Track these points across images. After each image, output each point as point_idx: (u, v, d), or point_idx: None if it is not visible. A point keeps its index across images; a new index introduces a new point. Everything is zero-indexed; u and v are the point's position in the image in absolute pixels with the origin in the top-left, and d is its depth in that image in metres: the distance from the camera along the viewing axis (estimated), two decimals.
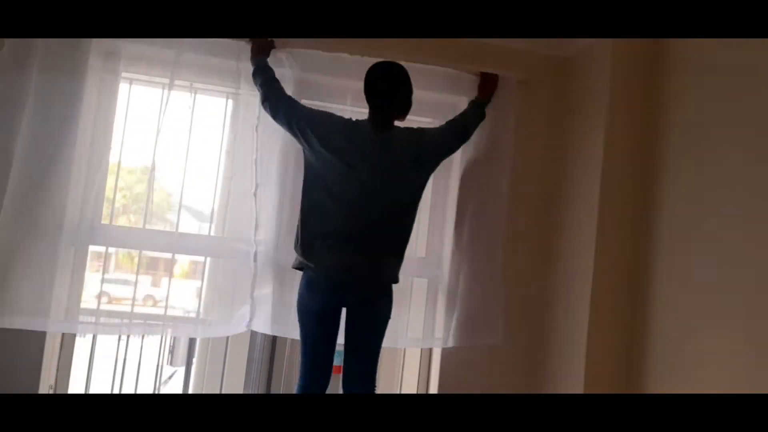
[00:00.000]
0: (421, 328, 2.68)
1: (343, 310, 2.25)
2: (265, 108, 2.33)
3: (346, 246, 2.16)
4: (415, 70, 2.59)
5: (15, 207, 2.30)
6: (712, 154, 2.07)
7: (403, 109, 2.27)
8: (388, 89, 2.25)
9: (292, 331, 2.52)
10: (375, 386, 2.28)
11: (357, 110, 2.59)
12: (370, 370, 2.26)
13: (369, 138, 2.20)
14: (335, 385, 2.97)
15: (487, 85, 2.60)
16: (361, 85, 2.57)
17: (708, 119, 2.12)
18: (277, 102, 2.30)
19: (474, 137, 2.64)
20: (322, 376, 2.21)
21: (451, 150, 2.43)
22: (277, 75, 2.51)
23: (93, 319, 2.53)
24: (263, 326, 2.50)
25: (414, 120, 2.71)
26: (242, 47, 2.45)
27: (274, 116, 2.31)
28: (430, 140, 2.31)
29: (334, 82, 2.59)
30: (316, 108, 2.34)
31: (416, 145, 2.26)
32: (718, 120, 2.06)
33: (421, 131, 2.33)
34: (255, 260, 2.46)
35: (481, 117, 2.53)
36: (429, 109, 2.75)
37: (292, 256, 2.52)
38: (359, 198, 2.16)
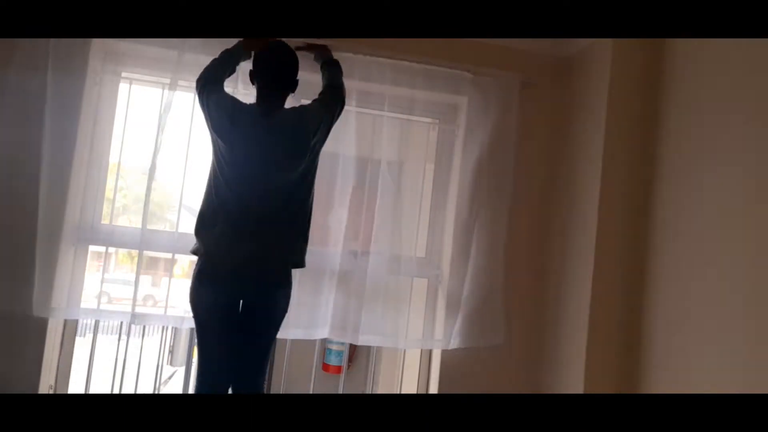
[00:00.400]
0: (421, 329, 2.68)
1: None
2: (196, 88, 2.23)
3: (240, 232, 2.08)
4: (415, 70, 2.60)
5: (15, 207, 2.31)
6: (712, 154, 2.06)
7: (290, 87, 2.23)
8: (273, 70, 2.20)
9: (298, 332, 2.52)
10: (264, 383, 2.18)
11: (360, 110, 2.60)
12: (261, 367, 2.16)
13: (256, 121, 2.13)
14: (335, 385, 2.98)
15: (319, 51, 2.47)
16: (361, 85, 2.58)
17: (708, 119, 2.12)
18: (206, 74, 2.22)
19: (476, 137, 2.64)
20: (220, 378, 2.10)
21: (334, 115, 2.28)
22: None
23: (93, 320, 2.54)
24: None
25: (414, 120, 2.72)
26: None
27: (197, 86, 2.22)
28: (313, 112, 2.22)
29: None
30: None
31: (301, 122, 2.18)
32: (718, 120, 2.06)
33: (303, 108, 2.26)
34: None
35: (337, 66, 2.41)
36: (429, 109, 2.75)
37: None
38: (250, 182, 2.10)
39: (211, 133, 2.17)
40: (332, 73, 2.38)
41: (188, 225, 2.54)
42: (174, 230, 2.52)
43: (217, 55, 2.29)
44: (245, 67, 2.32)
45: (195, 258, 2.17)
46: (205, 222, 2.14)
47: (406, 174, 2.75)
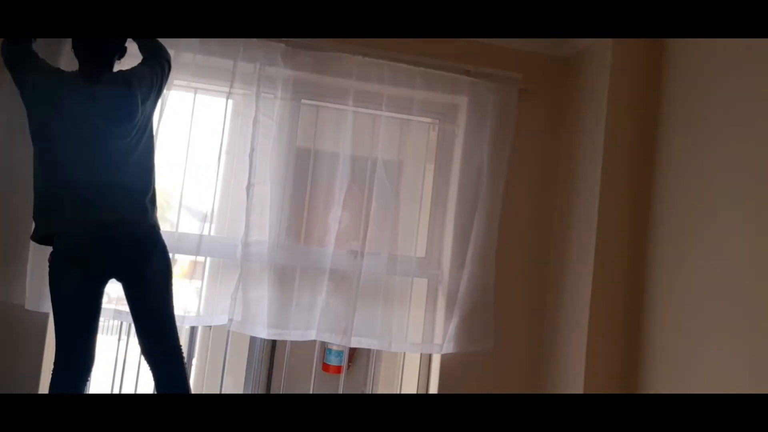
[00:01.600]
0: (421, 331, 2.67)
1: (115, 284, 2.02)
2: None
3: (87, 206, 1.96)
4: (414, 70, 2.60)
5: (15, 207, 2.31)
6: (712, 154, 2.07)
7: (114, 51, 2.13)
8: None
9: (290, 333, 2.52)
10: (183, 360, 2.07)
11: (358, 110, 2.60)
12: (171, 341, 2.04)
13: (79, 89, 2.01)
14: (335, 385, 2.98)
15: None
16: (360, 85, 2.58)
17: (708, 119, 2.12)
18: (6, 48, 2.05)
19: (476, 137, 2.64)
20: (78, 370, 1.99)
21: (164, 74, 2.19)
22: (270, 74, 2.50)
23: None
24: (260, 330, 2.49)
25: (413, 120, 2.72)
26: (240, 47, 2.45)
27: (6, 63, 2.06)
28: (139, 72, 2.12)
29: (334, 82, 2.59)
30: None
31: (126, 83, 2.06)
32: (718, 120, 2.06)
33: (129, 71, 2.13)
34: (246, 260, 2.45)
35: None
36: (428, 109, 2.75)
37: (290, 256, 2.51)
38: (81, 153, 1.98)
39: (29, 111, 2.02)
40: (149, 44, 2.23)
41: (188, 225, 2.55)
42: (174, 230, 2.51)
43: None
44: None
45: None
46: (46, 205, 2.00)
47: (406, 174, 2.75)
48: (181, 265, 3.12)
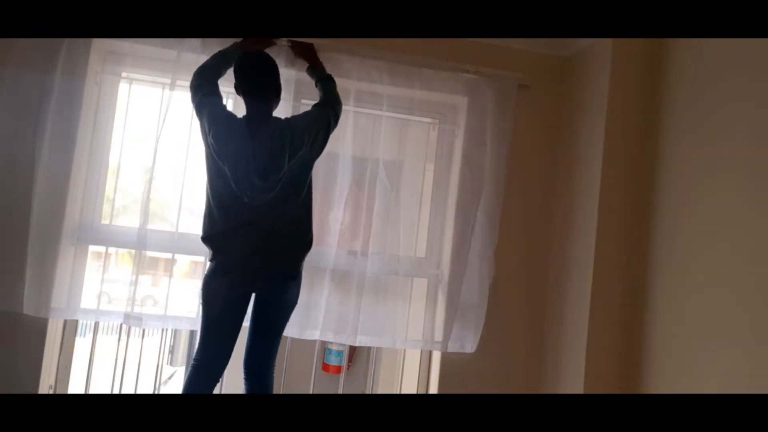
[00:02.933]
0: (421, 331, 2.68)
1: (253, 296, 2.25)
2: (191, 84, 2.24)
3: (244, 239, 2.14)
4: (414, 70, 2.60)
5: (15, 207, 2.31)
6: (712, 154, 2.07)
7: (273, 92, 2.25)
8: (251, 78, 2.22)
9: (295, 330, 2.52)
10: (273, 369, 2.30)
11: (358, 110, 2.60)
12: (273, 352, 2.29)
13: (243, 134, 2.15)
14: (335, 385, 2.98)
15: (303, 51, 2.49)
16: (360, 85, 2.58)
17: (708, 119, 2.12)
18: (199, 77, 2.24)
19: (476, 137, 2.65)
20: (221, 358, 2.20)
21: (329, 128, 2.29)
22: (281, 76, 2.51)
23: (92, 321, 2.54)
24: None
25: (413, 120, 2.72)
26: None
27: (190, 88, 2.24)
28: (301, 124, 2.23)
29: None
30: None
31: (290, 133, 2.18)
32: (718, 120, 2.06)
33: (290, 119, 2.26)
34: None
35: (331, 80, 2.41)
36: (429, 109, 2.75)
37: None
38: (249, 190, 2.13)
39: (204, 139, 2.19)
40: (327, 88, 2.39)
41: (188, 225, 2.55)
42: (174, 230, 2.51)
43: (212, 56, 2.30)
44: None
45: (197, 258, 2.18)
46: (209, 227, 2.19)
47: (406, 174, 2.75)
48: (180, 265, 3.12)
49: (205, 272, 2.22)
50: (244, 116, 2.22)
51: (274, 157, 2.15)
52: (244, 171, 2.13)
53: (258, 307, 2.25)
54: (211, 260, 2.21)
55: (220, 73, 2.28)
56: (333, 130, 2.32)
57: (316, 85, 2.43)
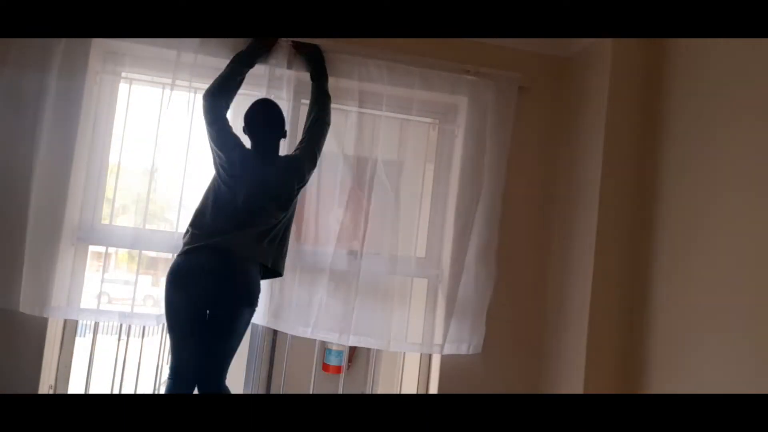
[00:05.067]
0: (421, 332, 2.67)
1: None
2: (203, 102, 2.30)
3: (215, 247, 2.16)
4: (414, 70, 2.60)
5: (15, 207, 2.31)
6: (713, 154, 2.07)
7: (280, 137, 2.37)
8: (262, 126, 2.33)
9: (289, 325, 2.53)
10: (225, 383, 2.24)
11: (359, 110, 2.60)
12: (223, 370, 2.23)
13: (253, 167, 2.27)
14: (335, 385, 2.98)
15: (311, 56, 2.53)
16: (360, 85, 2.58)
17: (708, 119, 2.12)
18: (212, 87, 2.31)
19: (476, 137, 2.64)
20: (187, 376, 2.19)
21: (317, 156, 2.42)
22: (278, 75, 2.51)
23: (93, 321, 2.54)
24: (261, 319, 2.50)
25: (414, 120, 2.72)
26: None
27: (204, 111, 2.30)
28: (301, 164, 2.35)
29: (335, 82, 2.59)
30: None
31: (291, 174, 2.32)
32: (718, 120, 2.06)
33: (294, 159, 2.37)
34: None
35: (328, 97, 2.49)
36: (429, 109, 2.75)
37: (293, 255, 2.51)
38: (236, 207, 2.21)
39: (211, 146, 2.29)
40: (323, 105, 2.46)
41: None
42: (174, 230, 2.51)
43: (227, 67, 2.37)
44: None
45: None
46: (193, 222, 2.23)
47: (406, 174, 2.75)
48: None
49: (167, 272, 2.18)
50: (253, 148, 2.32)
51: (287, 187, 2.30)
52: (260, 194, 2.24)
53: (209, 319, 2.20)
54: (179, 255, 2.19)
55: (229, 88, 2.35)
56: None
57: (315, 100, 2.47)
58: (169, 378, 2.19)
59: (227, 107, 2.35)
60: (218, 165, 2.28)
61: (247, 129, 2.34)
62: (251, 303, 2.22)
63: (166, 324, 2.21)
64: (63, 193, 2.38)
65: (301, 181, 2.36)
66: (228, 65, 2.36)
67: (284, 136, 2.39)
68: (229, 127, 2.32)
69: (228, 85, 2.34)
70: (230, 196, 2.23)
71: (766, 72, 1.89)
